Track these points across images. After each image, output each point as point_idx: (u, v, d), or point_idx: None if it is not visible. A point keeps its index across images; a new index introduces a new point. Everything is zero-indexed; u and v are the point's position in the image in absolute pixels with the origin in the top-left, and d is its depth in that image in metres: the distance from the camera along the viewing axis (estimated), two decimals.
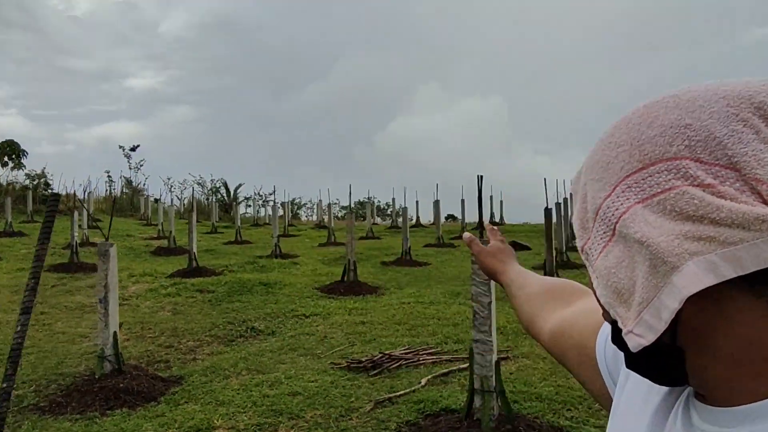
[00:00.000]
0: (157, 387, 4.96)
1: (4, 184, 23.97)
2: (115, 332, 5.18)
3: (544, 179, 12.41)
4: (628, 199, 0.53)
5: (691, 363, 0.53)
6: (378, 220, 32.88)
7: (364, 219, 26.37)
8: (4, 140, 25.31)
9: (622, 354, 0.65)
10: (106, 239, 5.55)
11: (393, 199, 28.78)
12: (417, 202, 26.39)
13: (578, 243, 0.58)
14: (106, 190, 28.08)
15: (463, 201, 21.67)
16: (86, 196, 21.00)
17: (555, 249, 10.61)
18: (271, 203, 26.78)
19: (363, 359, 5.54)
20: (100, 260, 5.29)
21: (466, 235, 1.24)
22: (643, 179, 0.52)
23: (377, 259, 13.34)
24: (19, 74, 78.79)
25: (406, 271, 11.88)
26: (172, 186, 31.62)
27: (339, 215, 31.17)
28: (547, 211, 10.73)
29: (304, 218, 35.82)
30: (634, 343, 0.51)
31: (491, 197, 26.26)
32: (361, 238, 17.39)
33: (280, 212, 22.25)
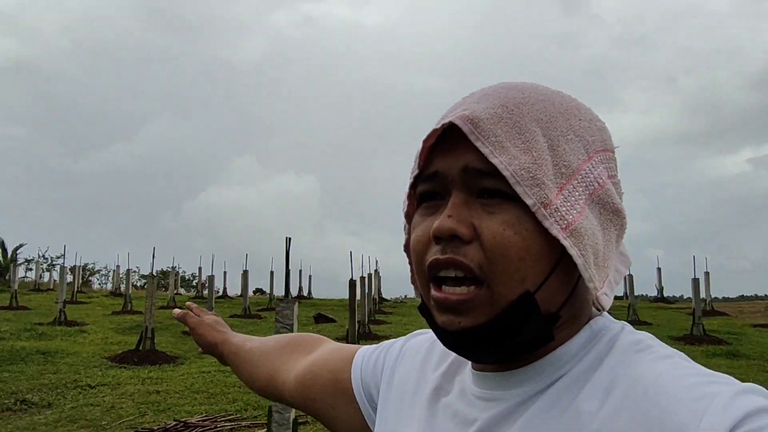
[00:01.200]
0: None
1: None
2: None
3: (350, 252, 12.82)
4: (603, 172, 0.59)
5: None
6: (182, 291, 31.70)
7: (167, 289, 25.14)
8: None
9: (382, 365, 0.77)
10: None
11: (200, 269, 27.98)
12: (225, 272, 26.03)
13: (541, 194, 0.54)
14: None
15: (272, 273, 22.49)
16: None
17: (357, 321, 10.86)
18: (59, 267, 23.53)
19: (155, 428, 5.23)
20: None
21: (177, 311, 1.12)
22: (607, 160, 0.60)
23: (179, 329, 12.68)
24: None
25: None
26: None
27: (138, 284, 29.17)
28: (352, 283, 11.03)
29: (96, 286, 33.64)
30: (607, 302, 0.57)
31: (300, 271, 27.19)
32: (162, 307, 16.59)
33: (69, 277, 20.10)
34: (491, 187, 0.55)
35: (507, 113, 0.57)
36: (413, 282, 0.63)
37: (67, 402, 6.53)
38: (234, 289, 25.64)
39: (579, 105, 0.61)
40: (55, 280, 20.95)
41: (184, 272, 34.75)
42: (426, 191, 0.60)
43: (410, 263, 0.62)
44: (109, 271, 31.80)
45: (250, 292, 21.85)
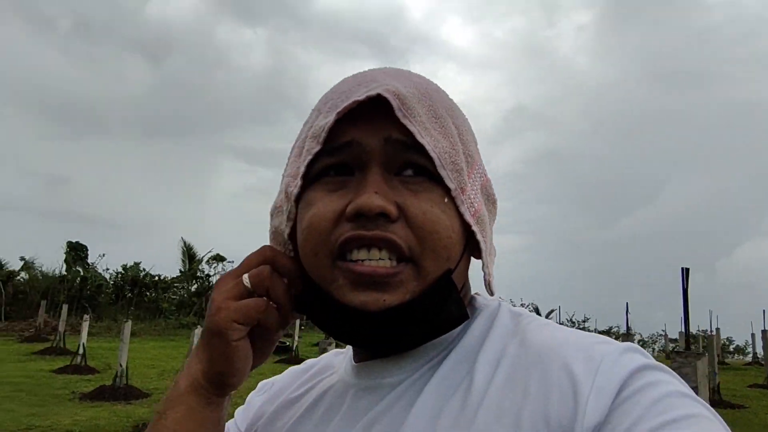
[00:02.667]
0: None
1: None
2: None
3: None
4: (484, 166, 0.63)
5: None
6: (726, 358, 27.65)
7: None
8: None
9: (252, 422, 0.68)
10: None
11: (752, 335, 24.40)
12: (753, 335, 23.11)
13: (459, 180, 0.55)
14: None
15: None
16: None
17: None
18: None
19: None
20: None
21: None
22: (479, 163, 0.61)
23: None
24: None
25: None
26: None
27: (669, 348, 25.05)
28: None
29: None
30: (494, 287, 0.60)
31: None
32: None
33: None
34: (416, 162, 0.54)
35: (424, 96, 0.56)
36: (309, 260, 0.56)
37: None
38: None
39: (452, 103, 0.62)
40: None
41: (729, 338, 32.48)
42: (332, 164, 0.55)
43: (291, 247, 0.59)
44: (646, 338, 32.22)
45: None
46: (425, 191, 0.54)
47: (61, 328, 14.65)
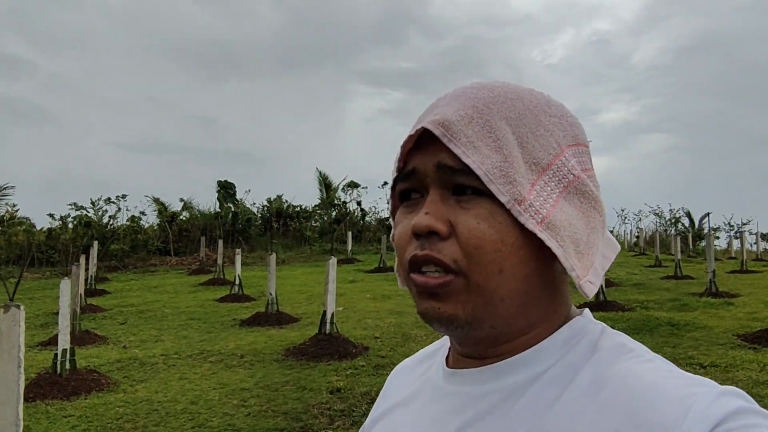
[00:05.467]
0: None
1: None
2: None
3: None
4: (576, 164, 0.60)
5: (531, 312, 0.59)
6: None
7: None
8: None
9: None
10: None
11: None
12: None
13: (514, 191, 0.55)
14: None
15: None
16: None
17: None
18: (747, 234, 24.25)
19: None
20: None
21: None
22: (579, 153, 0.61)
23: None
24: None
25: None
26: (626, 217, 31.66)
27: None
28: None
29: None
30: (591, 290, 0.56)
31: None
32: None
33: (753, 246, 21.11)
34: (465, 184, 0.57)
35: (477, 113, 0.58)
36: (398, 273, 0.65)
37: None
38: None
39: (549, 101, 0.62)
40: (736, 248, 22.00)
41: None
42: (405, 189, 0.62)
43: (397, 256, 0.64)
44: None
45: None
46: (475, 207, 0.57)
47: (219, 261, 16.37)
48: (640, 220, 31.64)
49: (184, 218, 24.82)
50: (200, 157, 58.33)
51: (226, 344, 8.39)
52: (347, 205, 28.04)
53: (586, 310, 0.64)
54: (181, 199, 25.03)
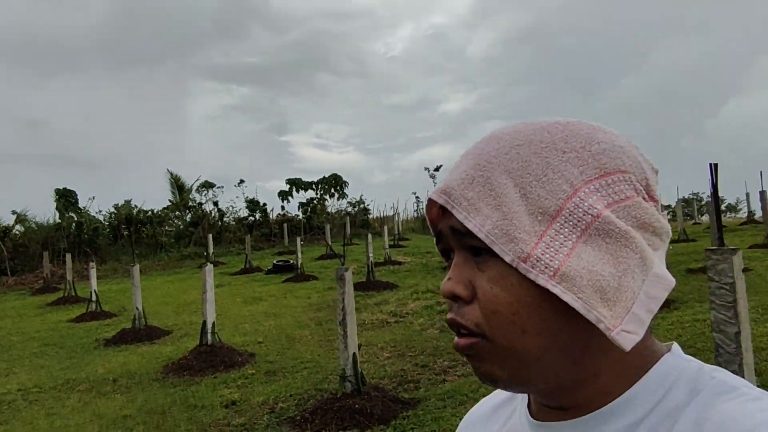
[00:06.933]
0: (392, 409, 5.13)
1: (332, 212, 28.71)
2: (354, 353, 5.40)
3: None
4: (597, 201, 0.54)
5: (594, 367, 0.55)
6: (705, 218, 28.55)
7: (691, 219, 24.91)
8: (330, 174, 29.42)
9: None
10: (342, 263, 5.95)
11: (747, 194, 24.26)
12: (747, 194, 23.43)
13: (516, 249, 0.53)
14: (414, 210, 31.84)
15: None
16: (395, 218, 24.29)
17: None
18: None
19: None
20: (338, 284, 5.57)
21: None
22: (606, 186, 0.55)
23: (682, 266, 11.40)
24: (354, 115, 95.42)
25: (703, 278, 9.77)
26: None
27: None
28: None
29: None
30: (629, 341, 0.50)
31: None
32: (673, 241, 14.51)
33: None
34: (477, 246, 0.56)
35: (479, 172, 0.57)
36: None
37: None
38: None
39: (570, 134, 0.57)
40: None
41: (723, 197, 31.74)
42: (441, 250, 0.62)
43: None
44: None
45: None
46: (488, 269, 0.56)
47: (68, 276, 14.93)
48: None
49: (18, 232, 22.40)
50: (32, 163, 53.06)
51: (94, 369, 7.68)
52: (203, 206, 26.99)
53: (675, 346, 0.59)
54: (14, 212, 22.52)
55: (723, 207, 31.70)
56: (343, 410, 5.01)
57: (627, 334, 0.50)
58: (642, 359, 0.56)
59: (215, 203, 27.05)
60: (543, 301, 0.53)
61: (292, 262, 16.84)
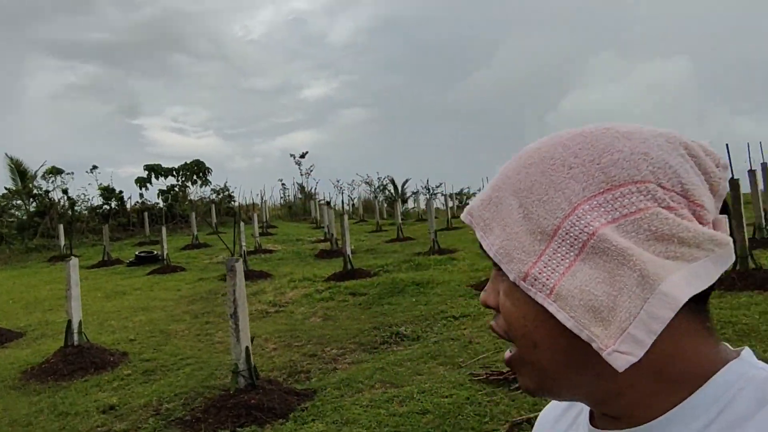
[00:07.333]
0: (289, 402, 4.94)
1: (195, 200, 26.88)
2: (247, 347, 5.17)
3: (748, 144, 11.36)
4: (597, 218, 0.52)
5: (615, 384, 0.54)
6: None
7: None
8: (192, 160, 27.57)
9: None
10: (232, 254, 5.56)
11: None
12: None
13: (517, 268, 0.54)
14: (281, 198, 31.20)
15: None
16: (262, 205, 23.14)
17: (751, 224, 8.83)
18: (440, 196, 27.10)
19: (505, 370, 4.95)
20: (228, 276, 5.26)
21: None
22: (612, 200, 0.53)
23: None
24: (213, 99, 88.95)
25: None
26: (341, 188, 32.93)
27: None
28: (734, 182, 8.62)
29: None
30: (623, 361, 0.48)
31: None
32: None
33: (443, 204, 23.46)
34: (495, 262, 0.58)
35: (495, 192, 0.59)
36: None
37: (432, 335, 6.68)
38: None
39: (584, 147, 0.56)
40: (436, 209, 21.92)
41: None
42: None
43: None
44: None
45: None
46: (503, 283, 0.58)
47: None
48: (353, 189, 33.96)
49: None
50: None
51: None
52: (50, 194, 24.61)
53: (746, 351, 0.56)
54: None
55: None
56: (239, 406, 4.79)
57: (620, 354, 0.49)
58: (696, 367, 0.54)
59: (65, 191, 24.70)
60: (548, 318, 0.53)
61: (156, 252, 16.00)
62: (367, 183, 34.02)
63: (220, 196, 27.52)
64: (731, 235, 0.55)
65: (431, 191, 33.80)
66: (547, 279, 0.53)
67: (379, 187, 34.40)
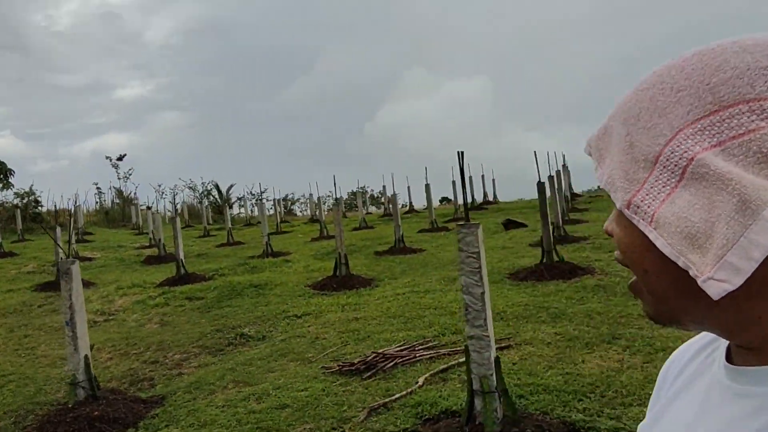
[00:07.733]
0: (136, 411, 4.68)
1: None
2: (86, 356, 4.81)
3: (535, 153, 11.20)
4: (699, 142, 0.50)
5: (751, 311, 0.51)
6: (373, 209, 33.28)
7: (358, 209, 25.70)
8: None
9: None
10: (68, 256, 4.91)
11: (384, 187, 28.56)
12: (408, 187, 27.09)
13: (621, 197, 0.54)
14: (96, 203, 28.52)
15: (454, 183, 23.26)
16: (74, 210, 20.76)
17: (551, 224, 9.50)
18: (264, 201, 27.06)
19: (355, 361, 5.20)
20: (63, 280, 4.73)
21: None
22: (719, 122, 0.50)
23: (371, 250, 12.90)
24: (10, 94, 76.46)
25: (400, 259, 11.43)
26: (163, 192, 31.62)
27: (332, 208, 29.84)
28: (540, 185, 9.65)
29: (298, 213, 35.79)
30: (718, 289, 0.47)
31: (483, 176, 26.84)
32: (355, 228, 17.98)
33: (272, 210, 23.76)
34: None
35: (609, 122, 0.58)
36: None
37: (278, 334, 6.74)
38: (420, 202, 25.43)
39: (697, 67, 0.52)
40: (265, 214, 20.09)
41: (372, 191, 36.58)
42: None
43: None
44: (306, 199, 33.08)
45: (436, 203, 23.75)
46: (615, 212, 0.59)
47: None
48: (176, 194, 32.73)
49: None
50: None
51: None
52: None
53: None
54: None
55: (366, 199, 36.89)
56: (80, 420, 4.43)
57: (717, 282, 0.47)
58: None
59: None
60: (654, 246, 0.52)
61: None
62: (190, 188, 33.20)
63: (24, 201, 24.71)
64: None
65: (257, 197, 33.60)
66: (648, 206, 0.52)
67: (203, 192, 33.62)
